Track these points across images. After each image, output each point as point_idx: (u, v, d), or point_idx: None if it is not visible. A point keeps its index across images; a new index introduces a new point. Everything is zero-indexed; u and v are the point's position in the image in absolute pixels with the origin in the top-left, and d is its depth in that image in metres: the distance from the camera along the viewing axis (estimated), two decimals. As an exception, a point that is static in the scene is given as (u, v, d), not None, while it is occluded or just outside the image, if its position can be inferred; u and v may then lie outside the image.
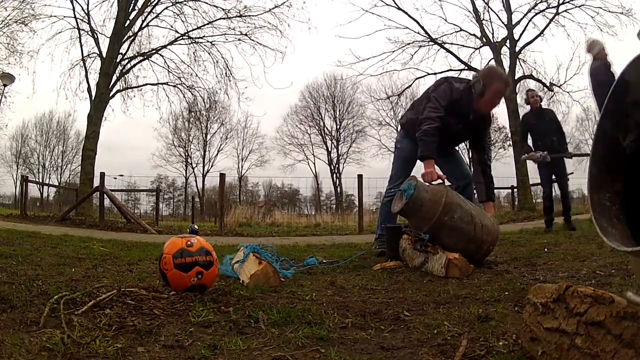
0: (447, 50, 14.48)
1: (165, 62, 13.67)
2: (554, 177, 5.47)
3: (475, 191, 3.25)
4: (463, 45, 14.66)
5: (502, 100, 3.87)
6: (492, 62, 13.88)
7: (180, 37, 13.45)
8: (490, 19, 14.45)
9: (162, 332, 1.25)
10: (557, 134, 5.39)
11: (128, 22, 12.53)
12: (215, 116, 28.35)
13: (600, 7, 12.88)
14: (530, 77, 14.34)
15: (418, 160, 3.15)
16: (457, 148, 3.54)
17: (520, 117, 7.36)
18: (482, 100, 3.00)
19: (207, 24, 13.26)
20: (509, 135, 16.53)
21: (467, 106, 3.01)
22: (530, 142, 5.44)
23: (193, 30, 13.37)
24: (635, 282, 1.73)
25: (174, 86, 14.01)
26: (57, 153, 32.83)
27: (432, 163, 2.90)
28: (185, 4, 13.24)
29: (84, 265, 2.59)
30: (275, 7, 12.98)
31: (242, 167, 33.16)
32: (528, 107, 5.69)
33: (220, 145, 32.21)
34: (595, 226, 0.86)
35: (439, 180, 2.83)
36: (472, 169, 3.37)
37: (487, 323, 1.33)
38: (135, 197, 23.03)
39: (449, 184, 2.92)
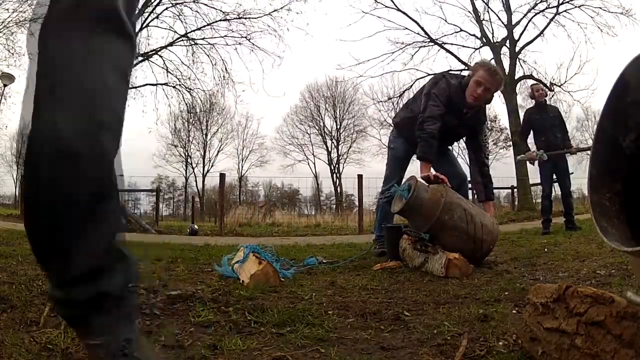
0: (447, 51, 14.52)
1: (164, 63, 13.73)
2: (554, 176, 5.29)
3: (472, 191, 3.25)
4: (463, 46, 14.71)
5: (498, 95, 3.87)
6: (492, 62, 13.89)
7: (180, 39, 13.48)
8: (490, 19, 14.49)
9: (162, 332, 1.25)
10: (561, 130, 5.24)
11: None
12: (215, 117, 28.40)
13: (600, 8, 12.91)
14: (530, 77, 14.35)
15: (414, 159, 3.15)
16: (450, 148, 3.54)
17: (522, 114, 7.16)
18: (467, 91, 3.00)
19: (207, 25, 13.30)
20: (510, 135, 16.54)
21: (461, 102, 3.02)
22: (531, 138, 5.25)
23: (192, 31, 13.41)
24: (635, 282, 1.73)
25: (173, 87, 14.05)
26: (57, 153, 32.78)
27: (429, 166, 2.90)
28: (185, 5, 13.27)
29: (84, 266, 2.58)
30: (275, 10, 13.05)
31: (242, 167, 33.11)
32: (530, 104, 5.56)
33: (221, 145, 32.23)
34: (595, 226, 0.86)
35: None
36: (470, 169, 3.37)
37: (487, 323, 1.33)
38: (135, 197, 23.03)
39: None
